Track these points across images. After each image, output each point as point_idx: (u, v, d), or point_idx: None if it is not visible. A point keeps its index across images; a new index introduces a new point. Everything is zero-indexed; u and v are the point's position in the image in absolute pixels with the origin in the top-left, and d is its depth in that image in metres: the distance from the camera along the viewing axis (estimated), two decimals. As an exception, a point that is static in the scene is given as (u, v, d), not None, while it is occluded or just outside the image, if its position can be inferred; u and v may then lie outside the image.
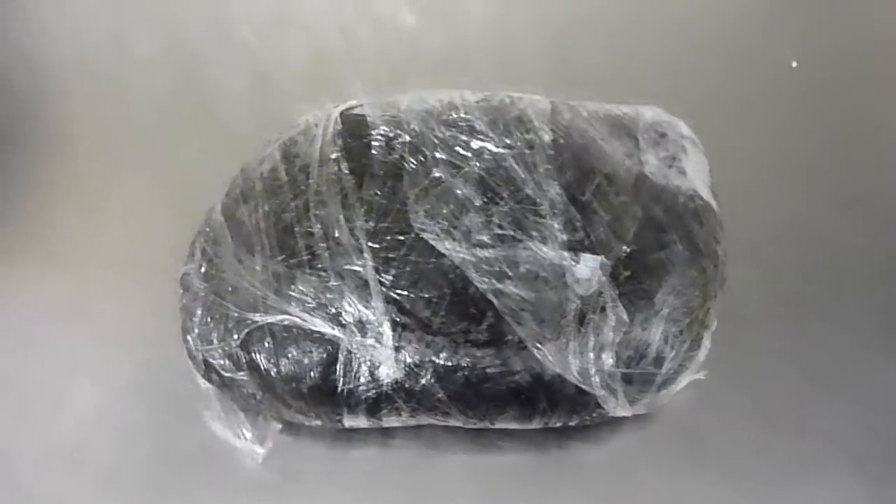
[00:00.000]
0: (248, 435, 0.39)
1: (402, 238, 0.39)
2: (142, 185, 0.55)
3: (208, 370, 0.40)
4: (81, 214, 0.54)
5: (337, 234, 0.39)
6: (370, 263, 0.39)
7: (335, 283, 0.38)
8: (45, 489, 0.42)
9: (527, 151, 0.42)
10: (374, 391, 0.38)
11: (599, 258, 0.39)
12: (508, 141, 0.42)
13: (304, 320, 0.38)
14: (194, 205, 0.45)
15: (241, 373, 0.39)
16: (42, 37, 0.63)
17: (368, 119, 0.43)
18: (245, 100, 0.58)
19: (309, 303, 0.38)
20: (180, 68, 0.59)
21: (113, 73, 0.60)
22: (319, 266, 0.39)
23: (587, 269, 0.39)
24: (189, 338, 0.40)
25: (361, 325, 0.38)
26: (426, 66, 0.58)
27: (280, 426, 0.41)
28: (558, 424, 0.40)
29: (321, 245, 0.39)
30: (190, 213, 0.44)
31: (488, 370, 0.38)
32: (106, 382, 0.46)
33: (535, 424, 0.39)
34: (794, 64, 0.59)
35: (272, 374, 0.38)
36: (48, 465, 0.43)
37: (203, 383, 0.41)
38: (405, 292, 0.38)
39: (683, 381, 0.40)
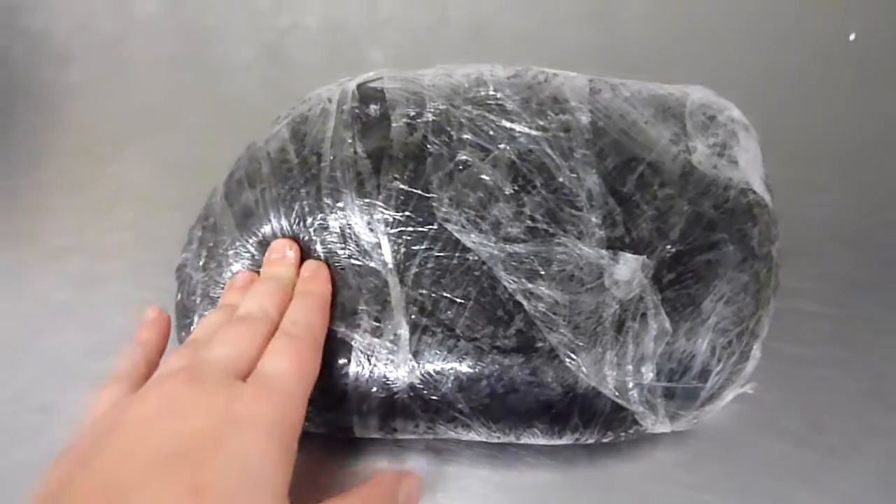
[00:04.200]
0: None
1: (423, 230, 0.36)
2: (140, 163, 0.51)
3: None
4: (72, 197, 0.50)
5: (353, 225, 0.36)
6: (389, 258, 0.35)
7: (350, 279, 0.35)
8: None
9: (562, 135, 0.38)
10: (388, 399, 0.35)
11: (641, 258, 0.35)
12: (542, 122, 0.38)
13: (314, 319, 0.34)
14: (197, 186, 0.41)
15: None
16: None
17: (387, 94, 0.39)
18: (255, 71, 0.54)
19: (320, 300, 0.34)
20: (184, 37, 0.55)
21: (114, 43, 0.55)
22: (333, 260, 0.36)
23: (627, 269, 0.35)
24: (184, 338, 0.37)
25: (377, 326, 0.35)
26: (453, 36, 0.53)
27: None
28: (590, 441, 0.36)
29: (335, 237, 0.36)
30: (192, 196, 0.41)
31: (515, 380, 0.34)
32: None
33: (565, 440, 0.36)
34: (853, 37, 0.54)
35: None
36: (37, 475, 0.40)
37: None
38: (426, 291, 0.35)
39: (729, 395, 0.36)
